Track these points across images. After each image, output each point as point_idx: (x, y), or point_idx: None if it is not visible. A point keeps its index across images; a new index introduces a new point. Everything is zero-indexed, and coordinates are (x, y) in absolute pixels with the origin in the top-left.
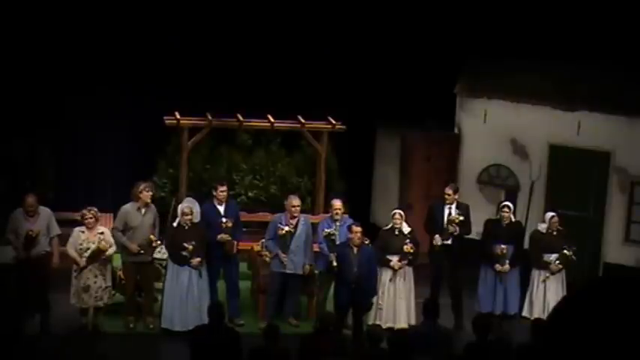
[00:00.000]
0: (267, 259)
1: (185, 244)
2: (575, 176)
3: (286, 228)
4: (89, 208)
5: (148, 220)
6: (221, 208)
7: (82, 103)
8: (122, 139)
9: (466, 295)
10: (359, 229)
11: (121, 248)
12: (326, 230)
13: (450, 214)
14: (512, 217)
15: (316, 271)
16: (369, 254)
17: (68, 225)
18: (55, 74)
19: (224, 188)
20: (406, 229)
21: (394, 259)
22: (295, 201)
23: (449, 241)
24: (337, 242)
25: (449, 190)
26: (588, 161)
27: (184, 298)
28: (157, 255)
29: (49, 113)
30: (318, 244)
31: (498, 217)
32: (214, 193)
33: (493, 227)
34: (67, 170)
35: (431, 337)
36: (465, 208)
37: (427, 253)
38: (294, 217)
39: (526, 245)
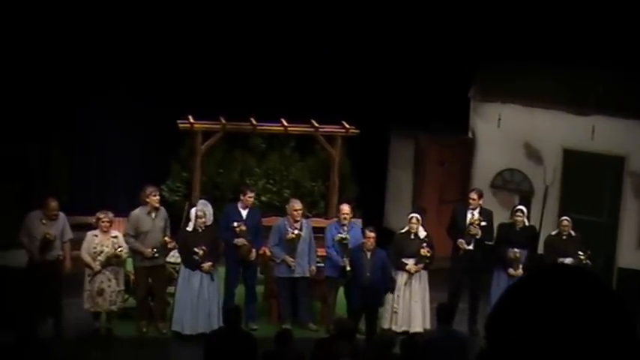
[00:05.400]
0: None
1: (196, 249)
2: (589, 181)
3: (296, 231)
4: (104, 212)
5: (159, 224)
6: (244, 212)
7: (96, 106)
8: (136, 143)
9: (481, 300)
10: (372, 234)
11: (133, 253)
12: (339, 235)
13: (472, 217)
14: (525, 221)
15: (327, 275)
16: (383, 259)
17: (81, 229)
18: (68, 77)
19: (252, 194)
20: (422, 233)
21: (410, 262)
22: (298, 205)
23: (471, 246)
24: (350, 246)
25: (474, 195)
26: (602, 165)
27: (195, 302)
28: (169, 259)
29: (63, 116)
30: (326, 249)
31: (512, 221)
32: (241, 197)
33: (507, 231)
34: (81, 174)
35: (445, 342)
36: (489, 214)
37: (450, 257)
38: (297, 220)
39: (540, 250)
